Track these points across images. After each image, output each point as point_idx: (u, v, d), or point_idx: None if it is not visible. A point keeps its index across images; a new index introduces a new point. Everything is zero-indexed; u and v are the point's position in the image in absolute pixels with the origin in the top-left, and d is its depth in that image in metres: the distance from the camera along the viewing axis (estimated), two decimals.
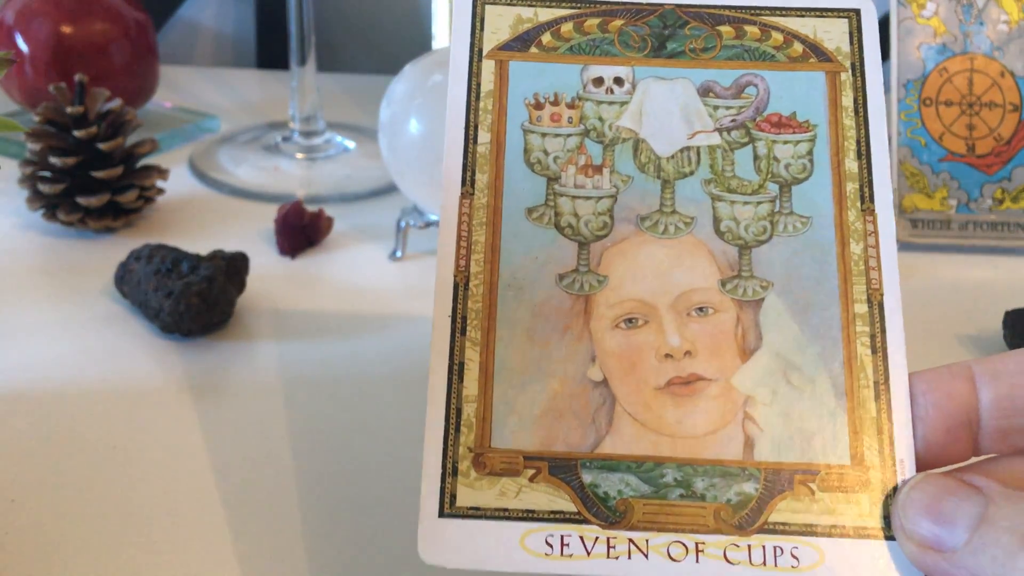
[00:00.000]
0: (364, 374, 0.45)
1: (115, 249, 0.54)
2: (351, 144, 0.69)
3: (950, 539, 0.23)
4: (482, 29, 0.29)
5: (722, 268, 0.26)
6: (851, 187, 0.26)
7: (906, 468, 0.25)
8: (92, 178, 0.55)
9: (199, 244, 0.53)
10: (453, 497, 0.24)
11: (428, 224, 0.54)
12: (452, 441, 0.24)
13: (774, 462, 0.24)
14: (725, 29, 0.28)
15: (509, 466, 0.24)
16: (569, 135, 0.27)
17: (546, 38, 0.28)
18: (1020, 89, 0.59)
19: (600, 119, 0.28)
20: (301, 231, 0.56)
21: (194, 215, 0.60)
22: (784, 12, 0.28)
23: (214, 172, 0.65)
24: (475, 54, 0.28)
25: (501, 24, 0.28)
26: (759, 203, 0.26)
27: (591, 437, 0.25)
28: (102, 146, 0.56)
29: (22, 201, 0.57)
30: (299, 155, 0.67)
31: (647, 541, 0.24)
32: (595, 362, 0.25)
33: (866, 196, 0.27)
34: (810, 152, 0.27)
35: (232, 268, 0.49)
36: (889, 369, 0.25)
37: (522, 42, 0.28)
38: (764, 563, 0.23)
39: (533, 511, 0.24)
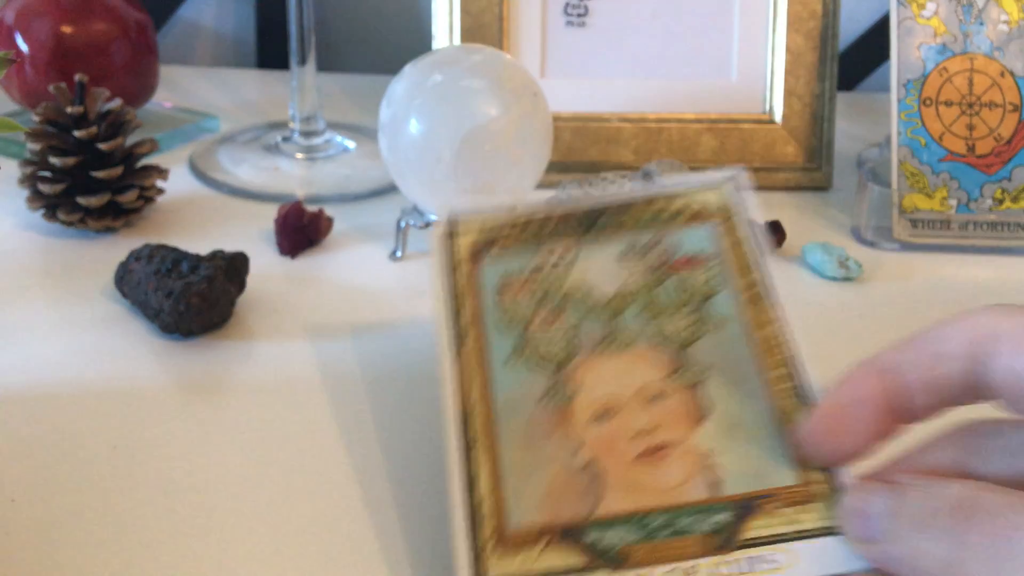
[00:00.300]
0: (364, 374, 0.45)
1: (115, 249, 0.54)
2: (351, 144, 0.69)
3: (876, 533, 0.27)
4: (455, 244, 0.38)
5: (667, 365, 0.33)
6: (751, 292, 0.34)
7: (845, 477, 0.30)
8: (92, 178, 0.55)
9: (199, 244, 0.53)
10: (485, 572, 0.30)
11: (428, 224, 0.55)
12: (476, 532, 0.30)
13: (739, 494, 0.30)
14: (635, 209, 0.38)
15: (526, 540, 0.30)
16: (530, 300, 0.36)
17: (503, 239, 0.37)
18: (1020, 89, 0.59)
19: (552, 284, 0.36)
20: (301, 231, 0.56)
21: (194, 215, 0.60)
22: (675, 194, 0.38)
23: (214, 172, 0.65)
24: (450, 264, 0.37)
25: (469, 234, 0.38)
26: (683, 316, 0.34)
27: (589, 506, 0.30)
28: (102, 146, 0.56)
29: (22, 201, 0.57)
30: (299, 155, 0.67)
31: (650, 574, 0.29)
32: (580, 451, 0.31)
33: (764, 296, 0.34)
34: (715, 276, 0.35)
35: (232, 268, 0.49)
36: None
37: (486, 245, 0.37)
38: (751, 570, 0.28)
39: (551, 570, 0.29)
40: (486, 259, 0.37)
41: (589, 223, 0.37)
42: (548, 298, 0.35)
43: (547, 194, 0.39)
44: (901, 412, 0.29)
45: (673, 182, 0.38)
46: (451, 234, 0.38)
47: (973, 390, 0.29)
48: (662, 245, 0.36)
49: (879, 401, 0.29)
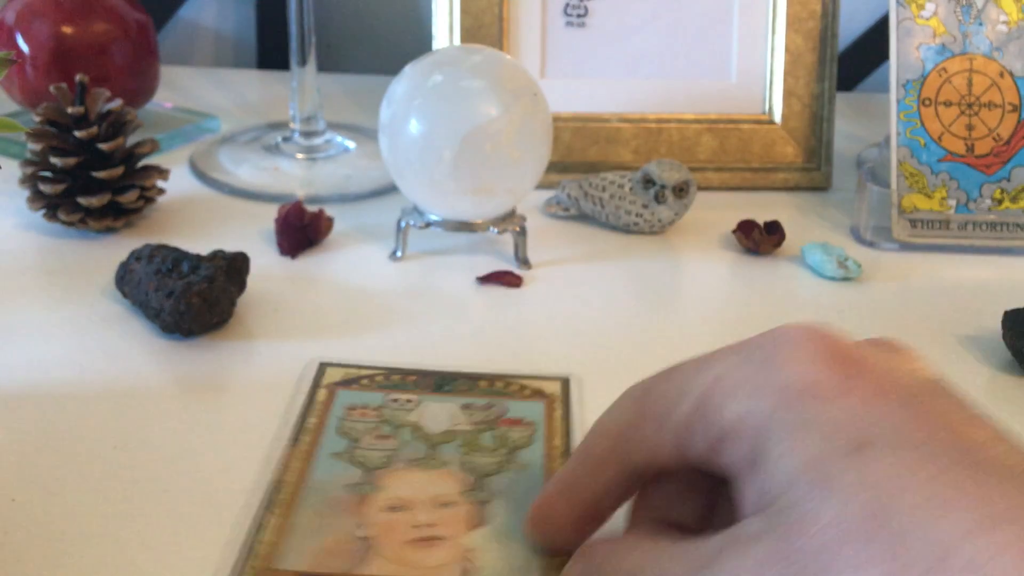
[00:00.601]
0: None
1: (116, 249, 0.54)
2: (351, 144, 0.69)
3: None
4: (323, 374, 0.44)
5: (464, 485, 0.38)
6: (556, 451, 0.40)
7: None
8: (93, 178, 0.56)
9: (200, 244, 0.53)
10: None
11: (428, 224, 0.55)
12: (246, 563, 0.34)
13: None
14: (482, 382, 0.44)
15: None
16: (371, 421, 0.41)
17: (364, 381, 0.44)
18: (1019, 89, 0.59)
19: (392, 417, 0.42)
20: (301, 231, 0.56)
21: (195, 215, 0.60)
22: (520, 376, 0.45)
23: (215, 172, 0.65)
24: (316, 384, 0.43)
25: (334, 375, 0.44)
26: (494, 457, 0.39)
27: (352, 566, 0.34)
28: (103, 146, 0.56)
29: (23, 201, 0.57)
30: (299, 155, 0.67)
31: None
32: (363, 528, 0.35)
33: (566, 455, 0.40)
34: (533, 434, 0.41)
35: (233, 268, 0.49)
36: None
37: (347, 383, 0.44)
38: None
39: None
40: (344, 391, 0.43)
41: (438, 385, 0.44)
42: (385, 424, 0.41)
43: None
44: (593, 518, 0.33)
45: (522, 372, 0.45)
46: (322, 364, 0.45)
47: (635, 488, 0.32)
48: (496, 408, 0.42)
49: (566, 517, 0.33)
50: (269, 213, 0.59)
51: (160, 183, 0.59)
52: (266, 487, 0.37)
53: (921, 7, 0.60)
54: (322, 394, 0.43)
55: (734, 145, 0.66)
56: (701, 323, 0.51)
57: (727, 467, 0.28)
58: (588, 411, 0.43)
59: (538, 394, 0.44)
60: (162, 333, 0.47)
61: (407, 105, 0.52)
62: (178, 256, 0.48)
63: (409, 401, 0.43)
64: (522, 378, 0.45)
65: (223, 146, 0.69)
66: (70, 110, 0.56)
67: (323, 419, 0.41)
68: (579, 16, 0.66)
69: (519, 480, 0.38)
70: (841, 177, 0.68)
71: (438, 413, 0.42)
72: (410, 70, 0.54)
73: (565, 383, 0.44)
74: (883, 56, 0.85)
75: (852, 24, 0.87)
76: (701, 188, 0.64)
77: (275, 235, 0.56)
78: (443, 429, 0.41)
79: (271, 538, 0.35)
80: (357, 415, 0.41)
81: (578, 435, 0.41)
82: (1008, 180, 0.59)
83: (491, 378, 0.44)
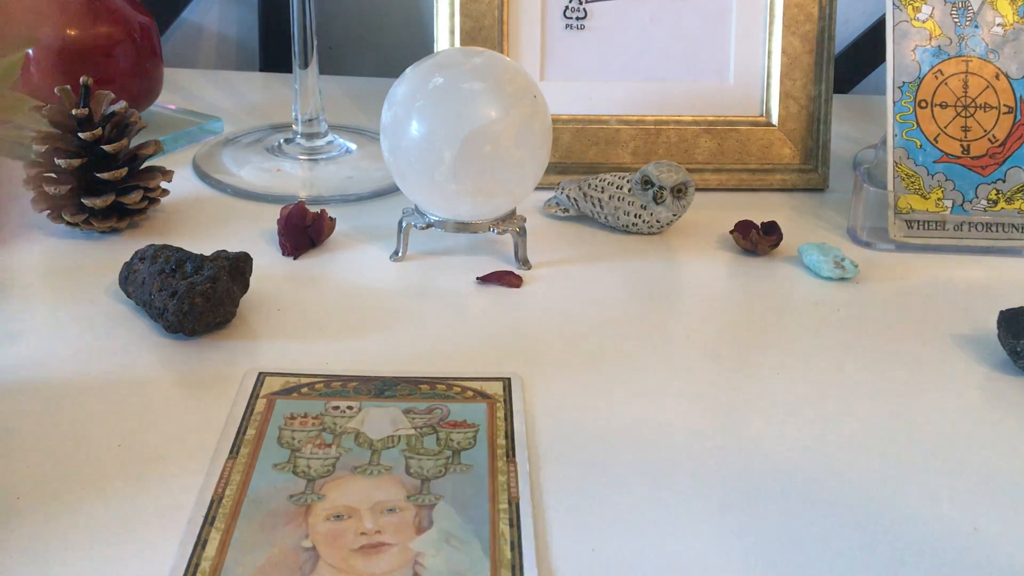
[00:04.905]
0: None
1: (119, 249, 0.55)
2: (353, 146, 0.70)
3: None
4: (261, 387, 0.44)
5: (409, 489, 0.38)
6: (500, 450, 0.41)
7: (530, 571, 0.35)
8: (97, 179, 0.56)
9: (203, 245, 0.54)
10: None
11: (429, 225, 0.55)
12: None
13: None
14: (423, 386, 0.44)
15: None
16: (311, 430, 0.41)
17: (304, 390, 0.44)
18: (1015, 91, 0.60)
19: (334, 424, 0.42)
20: (303, 232, 0.56)
21: (198, 216, 0.60)
22: (462, 378, 0.45)
23: (217, 173, 0.66)
24: (255, 394, 0.43)
25: (274, 384, 0.44)
26: (438, 460, 0.40)
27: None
28: (107, 148, 0.56)
29: (27, 202, 0.57)
30: (301, 156, 0.68)
31: None
32: (308, 538, 0.36)
33: (510, 454, 0.40)
34: (475, 436, 0.41)
35: (236, 268, 0.49)
36: (521, 536, 0.36)
37: (286, 392, 0.44)
38: None
39: None
40: (281, 402, 0.43)
41: (380, 390, 0.44)
42: (326, 432, 0.41)
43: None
44: None
45: (464, 374, 0.45)
46: (260, 374, 0.45)
47: None
48: (438, 411, 0.43)
49: None
50: (271, 214, 0.59)
51: (163, 184, 0.59)
52: (207, 503, 0.37)
53: (917, 9, 0.60)
54: (261, 404, 0.43)
55: (732, 146, 0.67)
56: (699, 322, 0.52)
57: None
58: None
59: (480, 396, 0.44)
60: (166, 332, 0.48)
61: (408, 107, 0.53)
62: (181, 256, 0.49)
63: (350, 408, 0.43)
64: (464, 380, 0.45)
65: (226, 148, 0.69)
66: (74, 112, 0.56)
67: (262, 430, 0.41)
68: (578, 19, 0.67)
69: (464, 481, 0.39)
70: (838, 178, 0.68)
71: (380, 419, 0.42)
72: (411, 72, 0.54)
73: (507, 384, 0.45)
74: (879, 58, 0.85)
75: (849, 26, 0.87)
76: (699, 189, 0.65)
77: (277, 236, 0.57)
78: (385, 434, 0.41)
79: (213, 553, 0.35)
80: (297, 424, 0.42)
81: (522, 434, 0.42)
82: (1003, 181, 0.59)
83: (432, 381, 0.45)
